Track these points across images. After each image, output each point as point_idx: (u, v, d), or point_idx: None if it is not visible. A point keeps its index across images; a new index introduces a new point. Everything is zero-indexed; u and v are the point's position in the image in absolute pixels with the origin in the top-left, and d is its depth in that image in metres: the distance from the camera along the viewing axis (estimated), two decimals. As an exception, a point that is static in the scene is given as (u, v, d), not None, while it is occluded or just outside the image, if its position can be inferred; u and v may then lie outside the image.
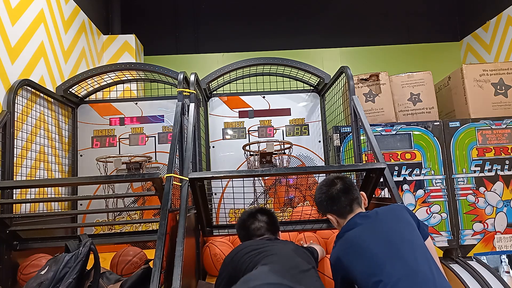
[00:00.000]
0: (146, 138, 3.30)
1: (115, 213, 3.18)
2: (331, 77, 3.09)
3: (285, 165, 3.12)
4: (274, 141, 3.08)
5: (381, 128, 3.00)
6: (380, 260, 1.46)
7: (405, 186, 2.92)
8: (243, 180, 2.36)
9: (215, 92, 3.49)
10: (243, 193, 2.28)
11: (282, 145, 3.16)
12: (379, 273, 1.42)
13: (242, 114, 3.42)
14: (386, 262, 1.44)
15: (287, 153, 3.18)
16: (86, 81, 3.18)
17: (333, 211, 1.76)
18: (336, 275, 1.65)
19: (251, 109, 3.43)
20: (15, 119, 2.53)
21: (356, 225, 1.65)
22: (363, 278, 1.47)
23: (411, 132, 2.98)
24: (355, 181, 2.76)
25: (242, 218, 2.04)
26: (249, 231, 1.97)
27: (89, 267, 1.87)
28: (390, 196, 2.11)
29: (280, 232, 2.08)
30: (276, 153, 3.00)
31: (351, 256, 1.56)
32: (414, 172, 2.92)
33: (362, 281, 1.47)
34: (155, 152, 3.28)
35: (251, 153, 3.11)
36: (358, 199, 1.77)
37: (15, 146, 2.49)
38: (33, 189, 2.72)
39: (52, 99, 3.05)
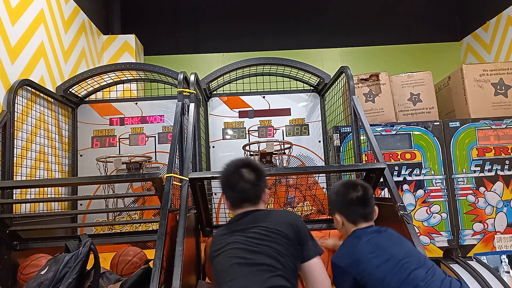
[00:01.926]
0: (146, 138, 3.30)
1: (115, 213, 3.18)
2: (331, 77, 3.09)
3: (284, 165, 3.12)
4: (274, 141, 3.08)
5: (381, 128, 3.00)
6: (412, 266, 1.51)
7: (405, 186, 2.92)
8: (243, 180, 2.34)
9: (215, 92, 3.49)
10: (243, 193, 2.27)
11: (282, 145, 3.16)
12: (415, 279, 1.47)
13: (242, 114, 3.42)
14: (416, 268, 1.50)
15: (287, 153, 3.18)
16: (86, 81, 3.18)
17: (346, 214, 1.74)
18: (347, 277, 1.59)
19: (251, 109, 3.43)
20: (15, 119, 2.53)
21: (376, 232, 1.67)
22: (393, 281, 1.48)
23: (411, 132, 2.98)
24: (355, 181, 2.76)
25: (227, 173, 1.62)
26: (233, 193, 1.60)
27: (89, 267, 1.87)
28: (390, 196, 2.11)
29: (267, 192, 1.69)
30: (276, 153, 3.00)
31: (377, 259, 1.54)
32: (414, 172, 2.92)
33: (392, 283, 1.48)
34: (155, 152, 3.28)
35: (251, 153, 3.11)
36: (372, 214, 1.75)
37: (15, 146, 2.49)
38: (33, 189, 2.72)
39: (52, 99, 3.05)
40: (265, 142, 3.00)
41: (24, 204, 2.56)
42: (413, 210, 2.89)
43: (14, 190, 2.45)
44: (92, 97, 3.48)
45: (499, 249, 2.85)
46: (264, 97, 3.45)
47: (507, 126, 2.98)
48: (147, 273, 1.97)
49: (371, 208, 1.74)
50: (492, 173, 2.93)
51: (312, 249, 1.54)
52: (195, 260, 2.27)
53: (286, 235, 1.48)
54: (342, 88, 2.98)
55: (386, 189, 2.18)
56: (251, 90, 3.49)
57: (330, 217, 3.05)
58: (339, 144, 3.03)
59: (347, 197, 1.72)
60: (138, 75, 3.48)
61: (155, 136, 3.31)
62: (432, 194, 2.91)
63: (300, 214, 3.20)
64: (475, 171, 2.93)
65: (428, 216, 2.89)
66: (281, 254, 1.43)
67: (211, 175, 2.11)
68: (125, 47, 4.50)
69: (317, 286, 1.49)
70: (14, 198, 2.44)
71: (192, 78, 2.59)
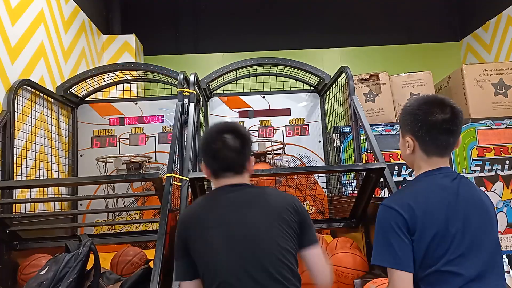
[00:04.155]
0: (146, 138, 3.30)
1: (115, 213, 3.18)
2: (331, 77, 3.09)
3: (278, 164, 3.12)
4: (266, 141, 3.08)
5: (381, 128, 3.00)
6: None
7: (405, 186, 2.92)
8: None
9: (215, 92, 3.49)
10: (243, 193, 2.27)
11: (276, 145, 3.15)
12: None
13: (242, 114, 3.42)
14: None
15: (280, 153, 3.16)
16: (86, 81, 3.18)
17: (421, 141, 1.28)
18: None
19: (251, 109, 3.43)
20: (15, 119, 2.53)
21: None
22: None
23: (411, 132, 2.97)
24: (355, 181, 2.76)
25: (208, 139, 1.38)
26: (215, 161, 1.38)
27: (89, 267, 1.87)
28: (390, 196, 2.11)
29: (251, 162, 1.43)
30: (270, 153, 2.99)
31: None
32: (414, 172, 2.92)
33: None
34: (155, 152, 3.28)
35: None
36: (453, 147, 1.29)
37: (15, 146, 2.49)
38: (33, 189, 2.72)
39: (52, 99, 3.05)
40: (257, 142, 3.00)
41: (24, 204, 2.56)
42: (413, 210, 2.89)
43: (14, 190, 2.45)
44: (92, 97, 3.48)
45: (499, 249, 2.85)
46: (264, 97, 3.45)
47: (507, 126, 2.98)
48: (147, 273, 1.97)
49: (456, 138, 1.28)
50: (492, 173, 2.93)
51: (314, 235, 1.38)
52: (195, 260, 2.27)
53: (288, 222, 1.31)
54: (342, 88, 2.98)
55: (386, 189, 2.18)
56: (251, 90, 3.48)
57: (330, 217, 3.06)
58: (339, 144, 3.03)
59: (430, 117, 1.25)
60: (138, 75, 3.48)
61: (155, 136, 3.31)
62: (432, 194, 2.91)
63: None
64: (475, 171, 2.93)
65: (428, 216, 2.89)
66: (287, 258, 1.27)
67: (211, 175, 2.11)
68: (125, 47, 4.50)
69: (318, 273, 1.34)
70: (14, 198, 2.44)
71: (192, 78, 2.59)
